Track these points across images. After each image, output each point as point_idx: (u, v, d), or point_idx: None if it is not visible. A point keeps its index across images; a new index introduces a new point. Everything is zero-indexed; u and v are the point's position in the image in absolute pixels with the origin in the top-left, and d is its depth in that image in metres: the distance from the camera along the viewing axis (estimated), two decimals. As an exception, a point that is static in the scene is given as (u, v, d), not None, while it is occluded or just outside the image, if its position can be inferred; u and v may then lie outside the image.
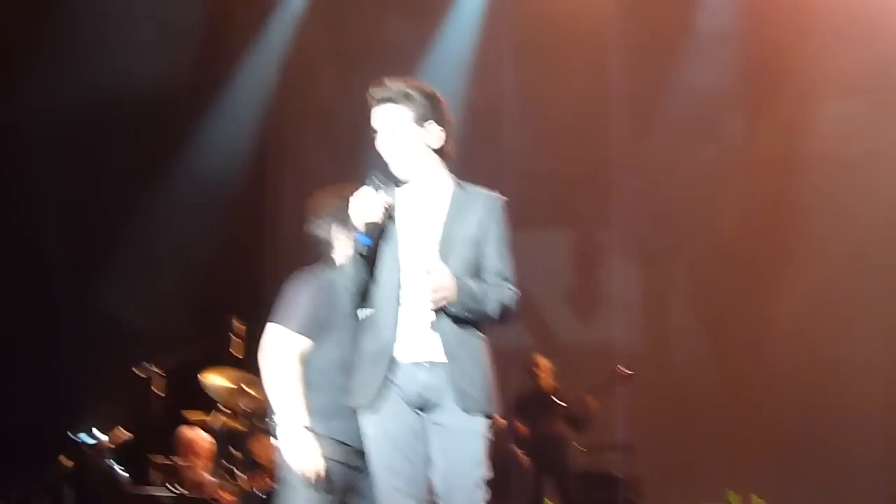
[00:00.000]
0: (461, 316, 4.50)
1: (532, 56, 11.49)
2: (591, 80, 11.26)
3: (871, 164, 10.69)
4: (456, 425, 4.50)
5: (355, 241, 4.52)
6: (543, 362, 10.73)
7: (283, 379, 4.94)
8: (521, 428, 10.32)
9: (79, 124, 9.56)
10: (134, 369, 8.43)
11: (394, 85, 4.68)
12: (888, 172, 10.65)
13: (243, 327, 8.50)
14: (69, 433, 8.29)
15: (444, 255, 4.53)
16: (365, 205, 4.51)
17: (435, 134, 4.67)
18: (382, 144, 4.68)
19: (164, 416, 8.43)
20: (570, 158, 11.40)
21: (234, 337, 8.51)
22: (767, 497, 7.03)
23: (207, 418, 8.30)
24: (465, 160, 4.99)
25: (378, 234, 4.55)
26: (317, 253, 5.17)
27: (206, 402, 8.15)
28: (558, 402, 10.34)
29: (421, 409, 4.56)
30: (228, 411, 7.99)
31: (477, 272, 4.60)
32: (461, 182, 4.73)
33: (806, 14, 10.96)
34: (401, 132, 4.65)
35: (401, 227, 4.61)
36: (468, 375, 4.51)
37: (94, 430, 8.28)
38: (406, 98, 4.65)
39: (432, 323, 4.51)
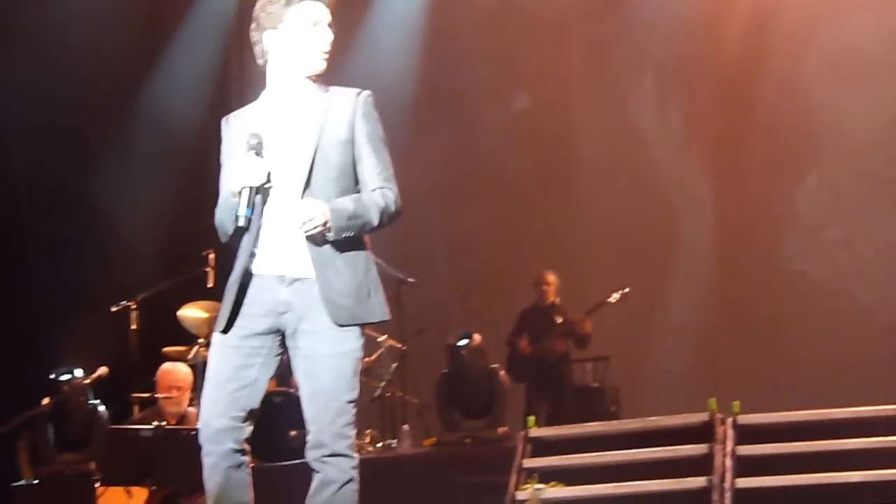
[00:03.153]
0: (340, 238, 4.31)
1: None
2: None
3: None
4: (319, 349, 4.34)
5: (236, 214, 4.30)
6: (552, 278, 10.65)
7: None
8: (524, 345, 10.50)
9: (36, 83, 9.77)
10: (111, 308, 8.47)
11: None
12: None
13: (213, 257, 8.57)
14: (50, 375, 8.21)
15: (317, 163, 4.36)
16: (249, 173, 4.30)
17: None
18: (321, 38, 4.47)
19: (144, 352, 8.52)
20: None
21: (207, 269, 8.60)
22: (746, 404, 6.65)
23: (186, 351, 8.44)
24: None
25: (255, 199, 4.33)
26: None
27: (185, 336, 8.30)
28: (558, 319, 10.47)
29: (278, 330, 4.39)
30: (206, 342, 8.02)
31: (354, 174, 4.44)
32: (322, 85, 4.50)
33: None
34: (329, 30, 4.49)
35: (267, 138, 4.36)
36: (340, 286, 4.34)
37: (75, 370, 8.18)
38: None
39: (302, 240, 4.31)
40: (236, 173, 4.32)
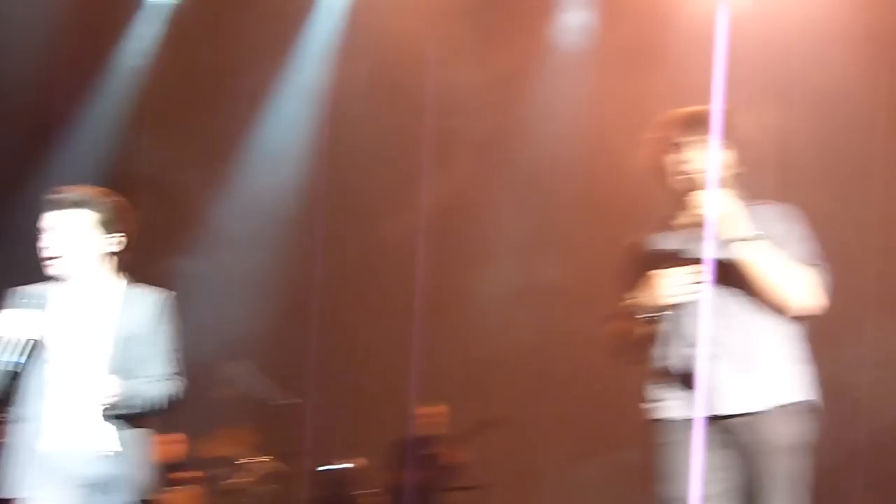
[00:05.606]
0: (125, 413, 4.67)
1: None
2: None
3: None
4: None
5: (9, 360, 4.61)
6: (432, 409, 10.70)
7: None
8: (398, 476, 10.41)
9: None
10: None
11: (80, 192, 4.87)
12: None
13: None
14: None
15: (110, 352, 4.71)
16: (15, 326, 4.61)
17: (114, 240, 4.87)
18: (56, 245, 4.78)
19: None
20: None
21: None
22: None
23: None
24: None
25: (27, 350, 4.62)
26: None
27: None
28: (433, 450, 10.48)
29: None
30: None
31: (142, 364, 4.76)
32: (131, 282, 4.89)
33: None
34: (81, 236, 4.80)
35: (57, 324, 4.72)
36: (133, 462, 4.74)
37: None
38: (91, 204, 4.79)
39: (95, 415, 4.66)
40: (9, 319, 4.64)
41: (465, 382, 11.37)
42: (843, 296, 10.03)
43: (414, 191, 11.48)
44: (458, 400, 10.96)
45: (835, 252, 4.83)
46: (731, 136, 4.52)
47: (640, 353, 4.72)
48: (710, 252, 4.43)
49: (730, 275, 4.46)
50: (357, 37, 11.52)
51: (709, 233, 4.41)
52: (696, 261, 4.44)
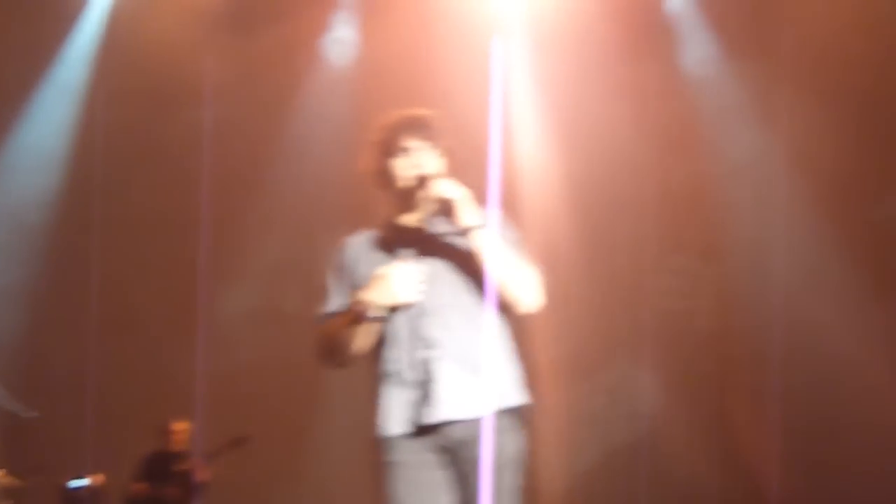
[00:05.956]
0: None
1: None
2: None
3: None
4: None
5: None
6: (179, 426, 10.60)
7: None
8: (135, 488, 10.29)
9: None
10: None
11: None
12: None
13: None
14: None
15: None
16: None
17: None
18: None
19: None
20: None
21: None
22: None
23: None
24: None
25: None
26: None
27: None
28: (178, 466, 10.30)
29: None
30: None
31: None
32: None
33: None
34: None
35: None
36: None
37: None
38: None
39: None
40: None
41: (217, 399, 11.30)
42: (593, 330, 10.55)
43: (192, 198, 11.39)
44: (209, 417, 10.92)
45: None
46: (440, 142, 4.64)
47: (355, 357, 4.61)
48: (439, 244, 4.53)
49: (457, 268, 4.51)
50: (128, 42, 11.34)
51: (441, 223, 4.56)
52: (422, 257, 4.50)
